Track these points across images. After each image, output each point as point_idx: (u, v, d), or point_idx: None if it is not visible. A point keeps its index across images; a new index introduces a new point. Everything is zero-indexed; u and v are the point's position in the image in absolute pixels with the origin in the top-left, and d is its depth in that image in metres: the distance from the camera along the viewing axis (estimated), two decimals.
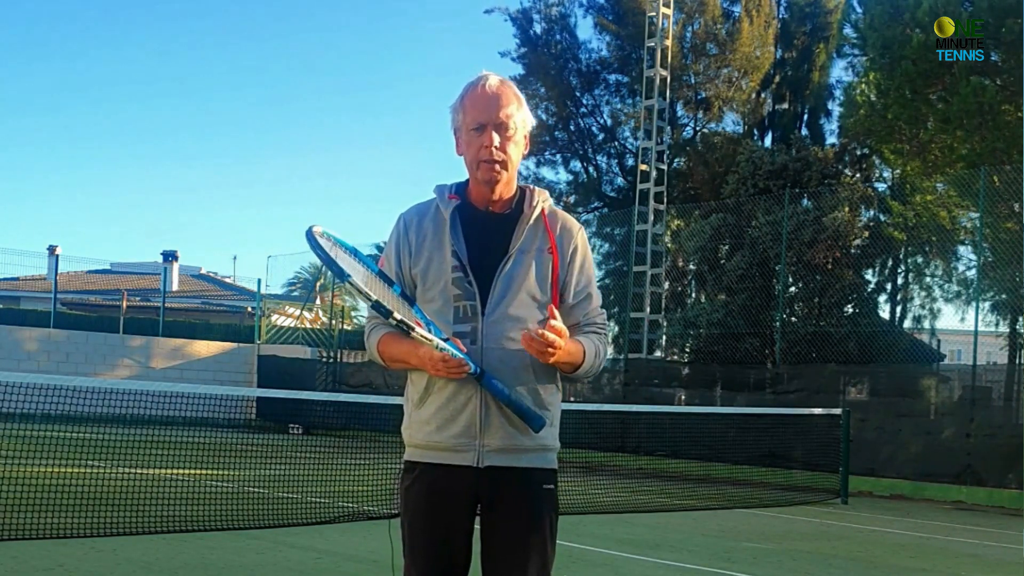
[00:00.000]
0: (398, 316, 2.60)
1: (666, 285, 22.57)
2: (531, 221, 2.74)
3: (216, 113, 74.71)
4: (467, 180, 2.81)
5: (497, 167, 2.70)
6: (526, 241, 2.73)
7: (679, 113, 25.50)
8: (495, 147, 2.68)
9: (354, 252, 2.67)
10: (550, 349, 2.55)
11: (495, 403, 2.65)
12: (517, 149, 2.75)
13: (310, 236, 2.58)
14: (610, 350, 25.12)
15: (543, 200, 2.79)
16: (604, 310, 2.90)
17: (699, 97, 25.09)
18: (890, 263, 21.06)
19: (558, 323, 2.58)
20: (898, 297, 21.09)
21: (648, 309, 21.48)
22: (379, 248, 47.69)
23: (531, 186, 2.83)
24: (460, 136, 2.76)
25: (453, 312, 2.68)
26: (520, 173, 2.86)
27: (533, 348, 2.56)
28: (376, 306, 2.60)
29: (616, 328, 25.07)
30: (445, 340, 2.60)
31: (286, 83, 75.47)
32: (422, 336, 2.59)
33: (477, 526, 2.75)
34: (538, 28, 26.21)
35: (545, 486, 2.75)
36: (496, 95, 2.70)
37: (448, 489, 2.70)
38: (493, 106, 2.69)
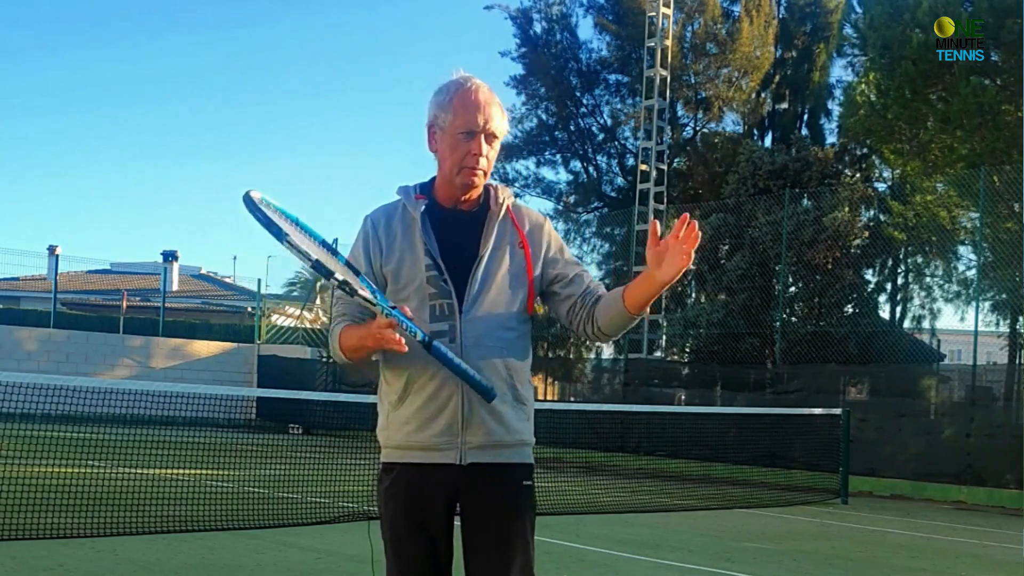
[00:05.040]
0: (339, 276, 2.57)
1: None
2: (499, 217, 2.77)
3: (216, 113, 74.70)
4: (431, 179, 2.81)
5: (480, 173, 2.72)
6: (497, 237, 2.75)
7: (679, 113, 25.47)
8: (482, 155, 2.71)
9: (295, 221, 2.62)
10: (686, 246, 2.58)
11: (478, 400, 2.65)
12: (494, 155, 2.78)
13: (247, 200, 2.52)
14: (610, 350, 25.13)
15: (507, 196, 2.81)
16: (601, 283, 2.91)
17: (699, 97, 25.06)
18: (890, 263, 21.04)
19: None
20: (898, 297, 21.07)
21: (648, 309, 21.43)
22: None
23: (493, 183, 2.84)
24: (442, 135, 2.74)
25: (429, 311, 2.68)
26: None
27: (686, 240, 2.59)
28: (316, 265, 2.56)
29: None
30: (392, 308, 2.56)
31: (285, 83, 75.46)
32: (365, 298, 2.56)
33: (457, 523, 2.74)
34: (538, 28, 26.19)
35: (524, 482, 2.76)
36: (487, 103, 2.72)
37: (428, 488, 2.70)
38: (485, 115, 2.71)
